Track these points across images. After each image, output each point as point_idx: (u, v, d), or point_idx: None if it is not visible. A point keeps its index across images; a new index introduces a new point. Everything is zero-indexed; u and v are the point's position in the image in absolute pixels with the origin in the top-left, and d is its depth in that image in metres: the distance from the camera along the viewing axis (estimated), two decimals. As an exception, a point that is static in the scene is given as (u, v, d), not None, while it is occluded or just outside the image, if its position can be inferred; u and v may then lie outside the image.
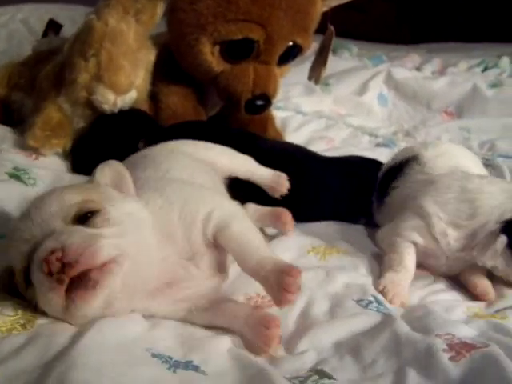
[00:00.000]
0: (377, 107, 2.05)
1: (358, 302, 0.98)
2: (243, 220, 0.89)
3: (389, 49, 2.54)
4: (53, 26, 1.65)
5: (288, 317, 0.92)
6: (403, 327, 0.88)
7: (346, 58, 2.33)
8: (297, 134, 1.78)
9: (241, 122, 1.52)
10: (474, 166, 1.22)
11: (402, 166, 1.20)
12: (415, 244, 1.07)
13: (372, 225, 1.29)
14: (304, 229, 1.23)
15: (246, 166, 1.16)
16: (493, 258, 1.03)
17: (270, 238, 1.17)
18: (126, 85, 1.33)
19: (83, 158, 1.33)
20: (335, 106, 2.01)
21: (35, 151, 1.33)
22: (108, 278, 0.73)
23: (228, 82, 1.40)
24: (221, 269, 0.91)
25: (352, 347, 0.85)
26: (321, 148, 1.63)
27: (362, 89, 2.08)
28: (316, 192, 1.29)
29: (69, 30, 1.56)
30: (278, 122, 1.78)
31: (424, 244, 1.07)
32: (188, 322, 0.86)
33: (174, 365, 0.75)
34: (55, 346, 0.71)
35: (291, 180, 1.16)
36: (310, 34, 1.45)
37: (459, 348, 0.82)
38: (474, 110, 1.99)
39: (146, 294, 0.82)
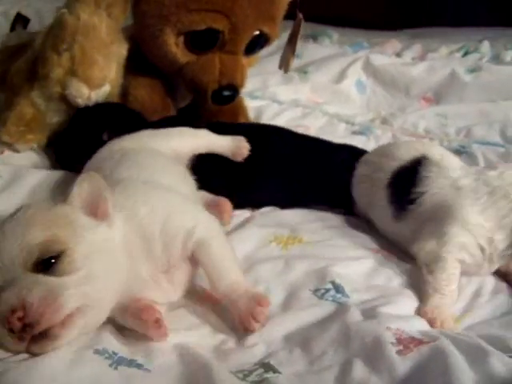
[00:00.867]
0: (355, 94, 2.03)
1: (315, 291, 0.98)
2: (222, 238, 0.93)
3: (371, 35, 2.51)
4: (21, 20, 1.63)
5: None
6: (355, 317, 0.88)
7: (326, 45, 2.31)
8: (272, 122, 1.76)
9: (211, 113, 1.52)
10: None
11: (415, 168, 1.14)
12: (462, 262, 1.03)
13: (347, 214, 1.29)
14: (269, 218, 1.23)
15: (206, 141, 1.22)
16: None
17: (234, 227, 1.17)
18: (100, 79, 1.33)
19: (65, 152, 1.33)
20: (312, 94, 2.00)
21: (9, 147, 1.33)
22: (70, 330, 0.74)
23: (194, 73, 1.39)
24: (188, 283, 0.92)
25: (302, 340, 0.86)
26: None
27: (340, 76, 2.06)
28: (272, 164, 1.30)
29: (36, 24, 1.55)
30: (253, 112, 1.78)
31: (472, 261, 1.04)
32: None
33: (117, 361, 0.76)
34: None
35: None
36: (276, 22, 1.43)
37: (407, 342, 0.82)
38: (452, 95, 1.97)
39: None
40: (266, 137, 1.34)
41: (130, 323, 0.83)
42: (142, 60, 1.44)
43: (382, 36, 2.49)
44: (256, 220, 1.21)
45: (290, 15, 1.51)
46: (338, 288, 0.98)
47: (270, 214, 1.27)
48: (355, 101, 2.02)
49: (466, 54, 2.21)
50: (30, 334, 0.72)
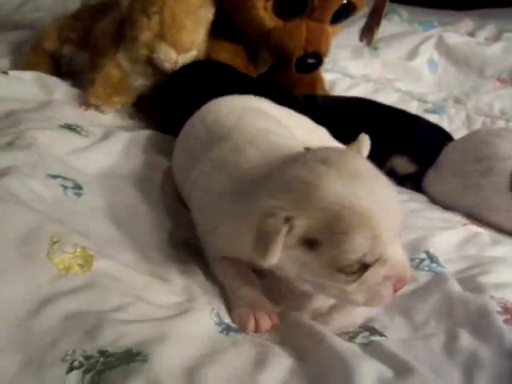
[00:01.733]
0: (426, 73, 1.99)
1: (410, 261, 0.96)
2: None
3: (440, 14, 2.46)
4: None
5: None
6: (455, 287, 0.87)
7: (395, 23, 2.27)
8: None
9: (289, 82, 1.50)
10: None
11: None
12: None
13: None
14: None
15: (320, 141, 1.13)
16: None
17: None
18: (189, 43, 1.32)
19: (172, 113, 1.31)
20: (383, 71, 1.97)
21: (96, 108, 1.34)
22: None
23: (280, 38, 1.38)
24: None
25: (402, 308, 0.85)
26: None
27: (412, 54, 2.03)
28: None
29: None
30: (326, 85, 1.76)
31: None
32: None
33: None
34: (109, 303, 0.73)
35: None
36: (364, -8, 1.41)
37: (514, 311, 0.81)
38: (530, 76, 1.92)
39: None
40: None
41: None
42: (225, 24, 1.43)
43: (451, 16, 2.44)
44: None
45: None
46: (432, 258, 0.97)
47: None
48: (426, 79, 1.99)
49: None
50: (396, 288, 0.75)
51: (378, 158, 1.23)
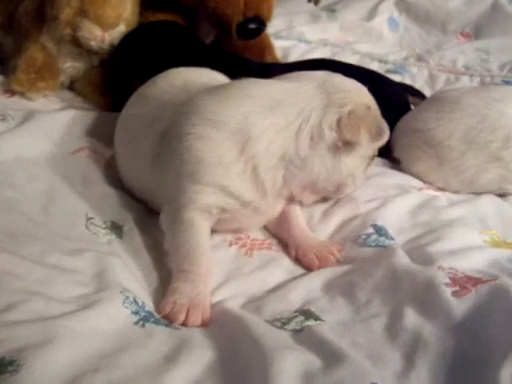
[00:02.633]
0: (387, 32, 1.90)
1: (357, 239, 0.89)
2: None
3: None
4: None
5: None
6: (401, 260, 0.80)
7: (353, -18, 2.16)
8: (300, 63, 1.65)
9: (236, 50, 1.41)
10: None
11: None
12: None
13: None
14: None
15: None
16: None
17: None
18: (114, 18, 1.22)
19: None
20: (342, 34, 1.87)
21: (22, 95, 1.24)
22: None
23: (217, 4, 1.28)
24: None
25: (344, 287, 0.78)
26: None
27: (371, 14, 1.93)
28: None
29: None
30: (279, 52, 1.67)
31: None
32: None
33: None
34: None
35: None
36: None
37: (464, 282, 0.73)
38: (494, 29, 1.84)
39: None
40: None
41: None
42: (160, -6, 1.34)
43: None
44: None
45: None
46: (380, 231, 0.90)
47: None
48: (387, 39, 1.89)
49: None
50: None
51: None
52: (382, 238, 0.88)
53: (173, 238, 0.81)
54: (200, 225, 0.80)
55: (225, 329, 0.70)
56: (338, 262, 0.84)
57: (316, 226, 0.93)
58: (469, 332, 0.66)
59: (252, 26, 1.29)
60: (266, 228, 0.92)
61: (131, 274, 0.78)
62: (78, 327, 0.63)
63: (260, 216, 0.87)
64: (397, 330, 0.69)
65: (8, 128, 1.06)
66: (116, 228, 0.87)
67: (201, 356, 0.63)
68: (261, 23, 1.31)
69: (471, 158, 1.04)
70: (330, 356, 0.62)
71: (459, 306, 0.69)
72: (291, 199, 0.89)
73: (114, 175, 0.99)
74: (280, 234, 0.91)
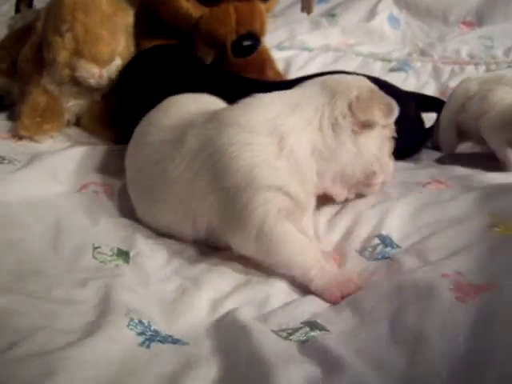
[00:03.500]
0: (389, 30, 1.91)
1: (363, 251, 0.89)
2: None
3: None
4: (24, -1, 1.57)
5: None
6: (406, 271, 0.80)
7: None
8: (303, 71, 1.66)
9: (237, 68, 1.42)
10: None
11: None
12: None
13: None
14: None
15: None
16: None
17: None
18: (108, 54, 1.26)
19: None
20: (343, 37, 1.88)
21: (30, 139, 1.28)
22: None
23: (209, 26, 1.30)
24: None
25: (352, 300, 0.78)
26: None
27: (371, 14, 1.94)
28: None
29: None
30: (282, 63, 1.68)
31: None
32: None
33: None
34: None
35: None
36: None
37: (468, 289, 0.72)
38: (497, 14, 1.83)
39: None
40: None
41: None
42: (154, 21, 1.36)
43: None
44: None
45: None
46: (385, 240, 0.90)
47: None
48: (390, 37, 1.90)
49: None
50: None
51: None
52: (387, 249, 0.88)
53: (273, 256, 0.84)
54: (289, 228, 0.84)
55: (230, 341, 0.71)
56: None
57: (320, 234, 0.93)
58: (472, 335, 0.65)
59: (246, 42, 1.31)
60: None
61: (136, 294, 0.79)
62: (80, 356, 0.64)
63: (302, 217, 0.90)
64: (399, 331, 0.68)
65: (15, 170, 1.09)
66: (122, 254, 0.89)
67: (204, 377, 0.64)
68: (255, 39, 1.32)
69: None
70: (330, 365, 0.62)
71: (463, 311, 0.68)
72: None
73: (119, 204, 1.02)
74: None
